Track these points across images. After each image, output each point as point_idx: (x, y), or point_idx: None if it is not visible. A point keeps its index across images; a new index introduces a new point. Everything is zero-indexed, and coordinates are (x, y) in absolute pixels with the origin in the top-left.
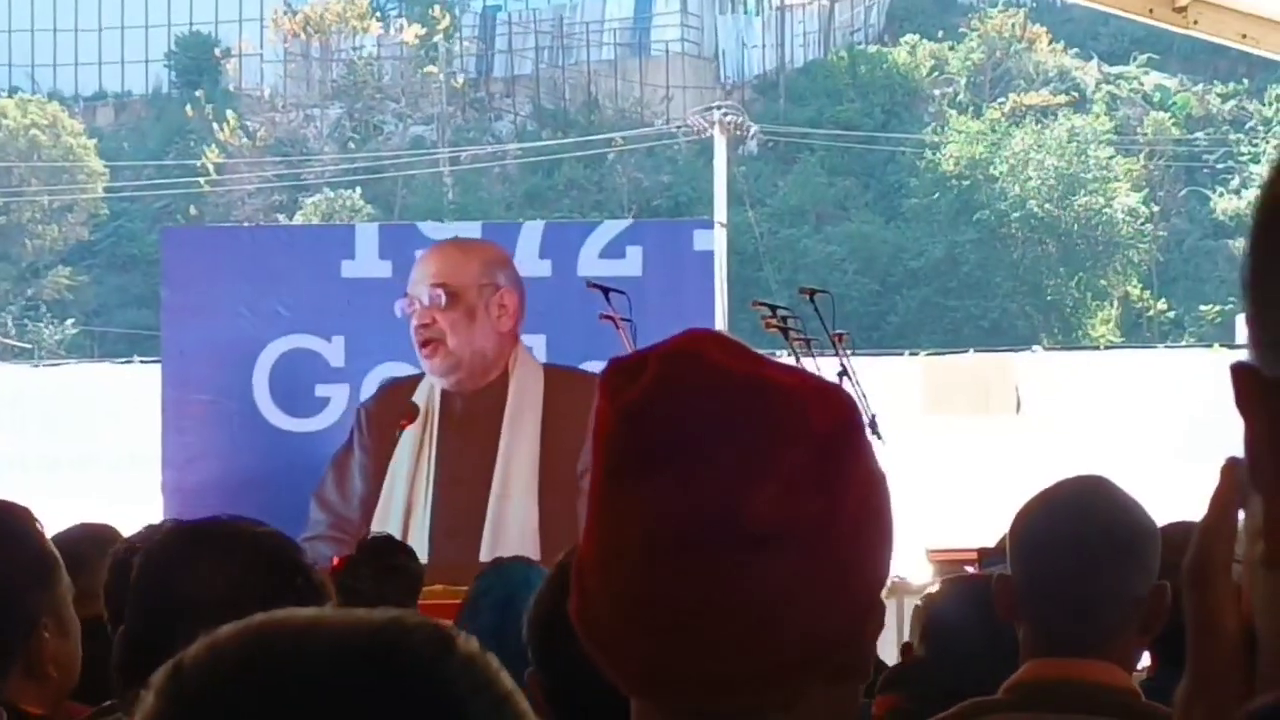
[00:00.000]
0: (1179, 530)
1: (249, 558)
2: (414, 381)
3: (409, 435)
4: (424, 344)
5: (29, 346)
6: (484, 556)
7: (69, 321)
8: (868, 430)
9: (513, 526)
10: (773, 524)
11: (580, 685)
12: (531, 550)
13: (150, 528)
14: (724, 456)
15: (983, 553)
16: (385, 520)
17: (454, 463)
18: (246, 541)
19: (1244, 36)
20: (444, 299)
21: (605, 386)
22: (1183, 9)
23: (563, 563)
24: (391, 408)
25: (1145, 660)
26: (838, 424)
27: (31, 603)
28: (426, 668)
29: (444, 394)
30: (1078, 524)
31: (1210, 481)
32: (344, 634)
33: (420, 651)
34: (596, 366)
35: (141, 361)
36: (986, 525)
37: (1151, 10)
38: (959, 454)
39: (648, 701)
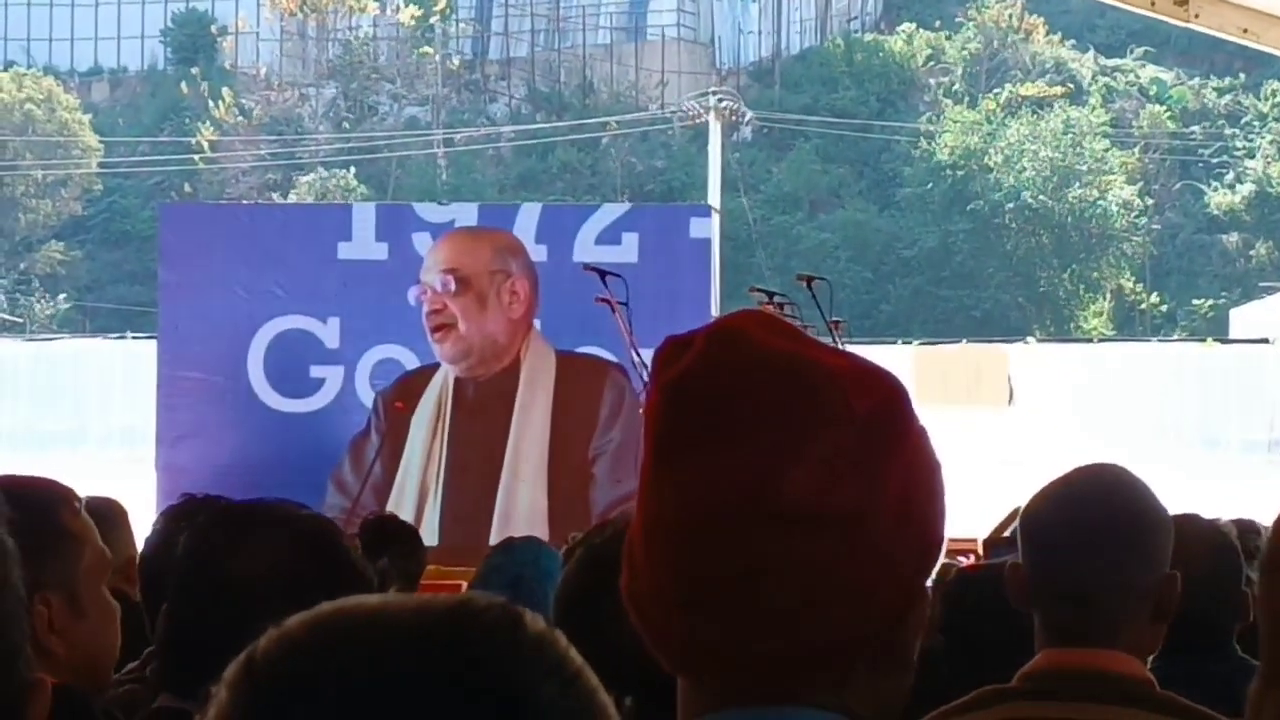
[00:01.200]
0: (1189, 521)
1: (292, 540)
2: (430, 371)
3: (423, 422)
4: (435, 329)
5: (20, 321)
6: (494, 540)
7: (61, 296)
8: (917, 417)
9: (522, 511)
10: (809, 504)
11: (602, 665)
12: (541, 534)
13: (186, 499)
14: (762, 434)
15: (988, 543)
16: (399, 505)
17: (466, 449)
18: (290, 523)
19: (1245, 31)
20: (454, 285)
21: (662, 360)
22: (1184, 2)
23: (589, 542)
24: (408, 396)
25: None
26: (879, 407)
27: (27, 574)
28: (497, 648)
29: (457, 381)
30: (1087, 514)
31: (1203, 471)
32: (414, 618)
33: (491, 632)
34: (592, 350)
35: (134, 337)
36: (978, 515)
37: (1154, 3)
38: (951, 444)
39: (691, 680)
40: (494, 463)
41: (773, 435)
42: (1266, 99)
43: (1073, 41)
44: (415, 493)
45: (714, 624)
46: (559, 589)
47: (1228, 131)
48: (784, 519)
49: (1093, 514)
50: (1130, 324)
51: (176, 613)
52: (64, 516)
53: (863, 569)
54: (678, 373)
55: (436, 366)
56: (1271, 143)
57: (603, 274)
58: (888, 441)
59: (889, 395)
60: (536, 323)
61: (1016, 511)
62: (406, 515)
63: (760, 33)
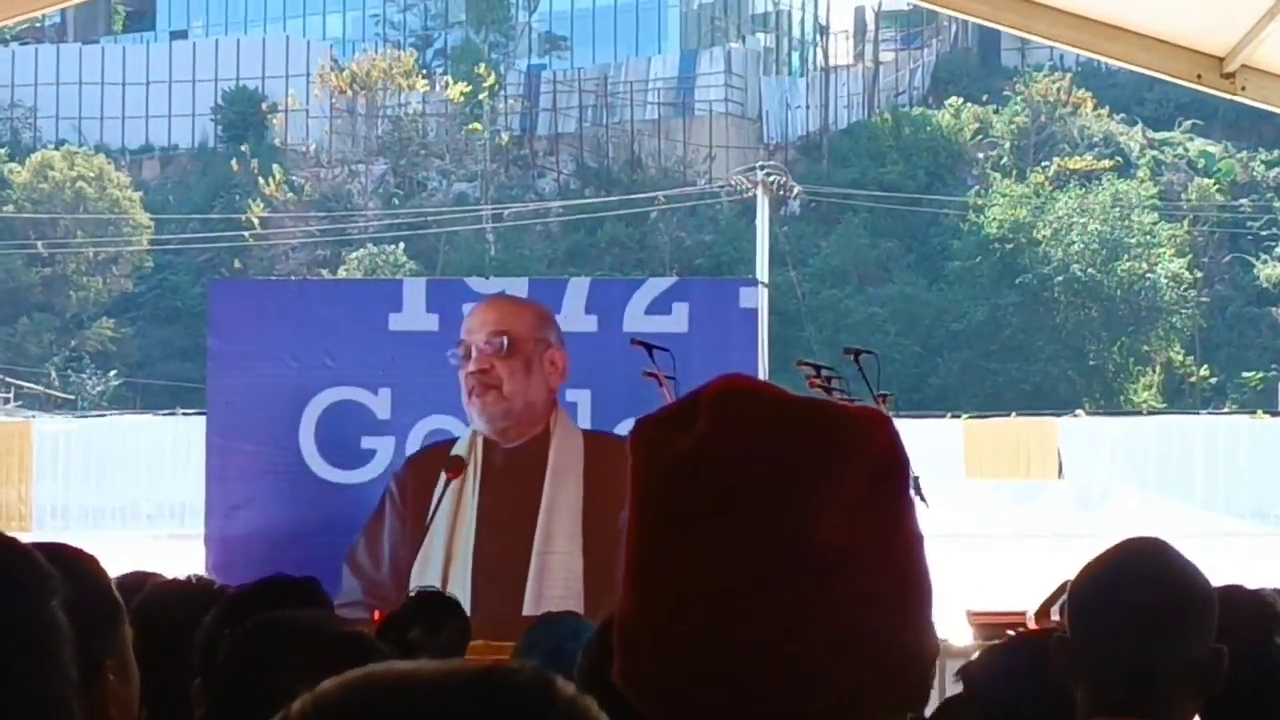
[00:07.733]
0: (1232, 593)
1: (333, 654)
2: (446, 446)
3: (450, 489)
4: (480, 387)
5: (71, 398)
6: (528, 607)
7: (112, 373)
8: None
9: (557, 578)
10: (841, 546)
11: None
12: (576, 602)
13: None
14: (790, 484)
15: (1039, 615)
16: (423, 575)
17: (496, 514)
18: (329, 637)
19: None
20: (505, 346)
21: (648, 442)
22: (1230, 75)
23: (608, 620)
24: (423, 474)
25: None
26: (891, 444)
27: (96, 643)
28: (528, 712)
29: (486, 448)
30: (1138, 588)
31: (1253, 543)
32: (446, 682)
33: (522, 696)
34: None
35: (184, 413)
36: (1028, 588)
37: (1199, 76)
38: (1000, 517)
39: None
40: (526, 529)
41: (801, 482)
42: None
43: (1121, 115)
44: (440, 561)
45: (742, 690)
46: (580, 661)
47: (1276, 204)
48: (819, 566)
49: (1148, 590)
50: (1180, 397)
51: (218, 710)
52: (108, 583)
53: (890, 604)
54: (692, 441)
55: (453, 441)
56: None
57: (650, 348)
58: (896, 477)
59: (895, 433)
60: (585, 393)
61: (1066, 585)
62: (433, 583)
63: (808, 107)
